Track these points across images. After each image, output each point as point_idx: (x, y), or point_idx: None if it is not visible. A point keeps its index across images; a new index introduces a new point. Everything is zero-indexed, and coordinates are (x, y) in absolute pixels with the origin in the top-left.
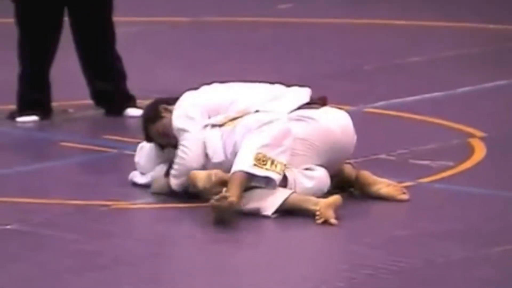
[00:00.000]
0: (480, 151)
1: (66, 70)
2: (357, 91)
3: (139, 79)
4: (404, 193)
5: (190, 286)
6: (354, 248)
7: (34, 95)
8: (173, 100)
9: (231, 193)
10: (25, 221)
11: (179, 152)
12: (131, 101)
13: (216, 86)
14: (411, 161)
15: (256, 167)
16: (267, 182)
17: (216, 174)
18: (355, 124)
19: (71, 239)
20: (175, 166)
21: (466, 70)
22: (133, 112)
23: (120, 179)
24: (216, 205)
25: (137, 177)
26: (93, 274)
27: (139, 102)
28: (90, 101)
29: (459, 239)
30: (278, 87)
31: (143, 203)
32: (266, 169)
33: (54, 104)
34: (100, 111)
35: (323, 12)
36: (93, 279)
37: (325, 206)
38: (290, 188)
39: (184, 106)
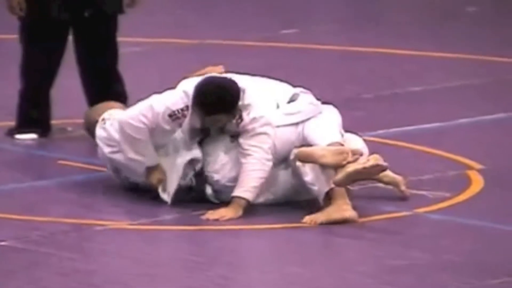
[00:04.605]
0: (477, 183)
1: (67, 88)
2: (356, 119)
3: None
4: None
5: None
6: (347, 276)
7: (34, 112)
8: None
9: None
10: (21, 238)
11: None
12: None
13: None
14: (409, 190)
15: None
16: None
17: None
18: None
19: (67, 257)
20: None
21: (465, 101)
22: None
23: (117, 199)
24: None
25: None
26: None
27: None
28: None
29: (455, 270)
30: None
31: (139, 224)
32: None
33: (53, 122)
34: None
35: (325, 38)
36: None
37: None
38: None
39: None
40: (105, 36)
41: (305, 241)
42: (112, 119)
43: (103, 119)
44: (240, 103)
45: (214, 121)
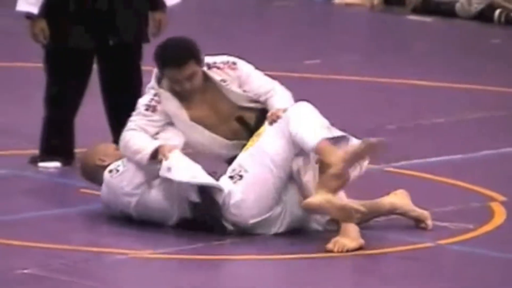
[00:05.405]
0: (500, 215)
1: (90, 116)
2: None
3: None
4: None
5: None
6: None
7: (58, 141)
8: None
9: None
10: (43, 266)
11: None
12: None
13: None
14: (432, 222)
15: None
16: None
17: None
18: (375, 183)
19: (88, 286)
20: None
21: (489, 133)
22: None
23: (139, 228)
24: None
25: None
26: None
27: None
28: None
29: None
30: None
31: (161, 253)
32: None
33: (76, 150)
34: None
35: (348, 69)
36: None
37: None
38: None
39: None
40: (129, 64)
41: (324, 271)
42: (121, 164)
43: (110, 171)
44: (210, 60)
45: (187, 75)
